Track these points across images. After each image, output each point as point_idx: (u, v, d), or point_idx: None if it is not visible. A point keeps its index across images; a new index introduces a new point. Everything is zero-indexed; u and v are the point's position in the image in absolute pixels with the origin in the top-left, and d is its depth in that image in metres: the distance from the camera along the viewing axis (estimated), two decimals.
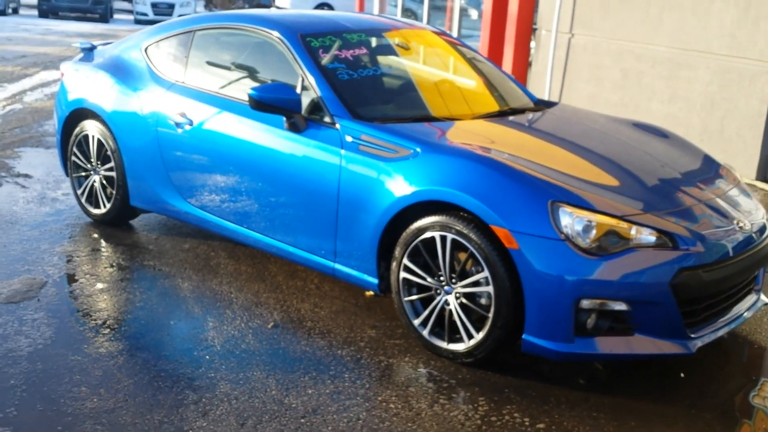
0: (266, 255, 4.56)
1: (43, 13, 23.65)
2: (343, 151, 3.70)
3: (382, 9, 15.08)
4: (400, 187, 3.46)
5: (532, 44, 10.00)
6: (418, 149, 3.52)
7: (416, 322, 3.50)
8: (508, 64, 9.97)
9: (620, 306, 3.09)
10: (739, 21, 6.78)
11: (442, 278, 3.39)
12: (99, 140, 4.86)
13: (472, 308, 3.30)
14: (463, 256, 3.31)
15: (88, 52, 5.30)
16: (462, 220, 3.28)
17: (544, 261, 3.08)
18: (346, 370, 3.33)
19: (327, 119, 3.83)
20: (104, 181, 4.91)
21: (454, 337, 3.38)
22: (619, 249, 3.09)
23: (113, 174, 4.82)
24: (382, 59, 4.58)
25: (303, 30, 4.23)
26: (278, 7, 22.57)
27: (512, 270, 3.15)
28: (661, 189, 3.56)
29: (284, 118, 3.89)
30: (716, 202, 3.54)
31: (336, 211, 3.71)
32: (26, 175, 6.13)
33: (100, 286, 4.13)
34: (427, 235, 3.38)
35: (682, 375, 3.41)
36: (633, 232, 3.13)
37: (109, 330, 3.62)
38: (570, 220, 3.11)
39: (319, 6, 22.79)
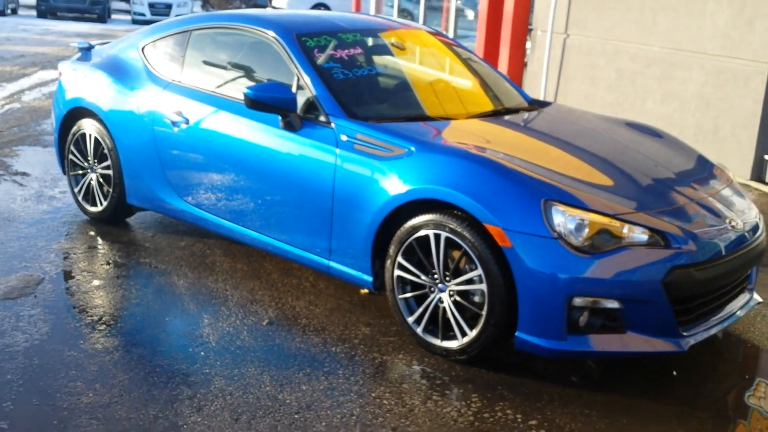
0: (262, 253, 4.58)
1: (42, 14, 23.66)
2: (338, 150, 3.72)
3: (379, 9, 15.09)
4: (394, 185, 3.48)
5: (528, 44, 10.03)
6: (413, 148, 3.54)
7: (410, 319, 3.52)
8: (504, 64, 10.00)
9: (612, 304, 3.11)
10: (733, 21, 6.81)
11: (436, 276, 3.41)
12: (96, 139, 4.88)
13: (466, 306, 3.32)
14: (456, 254, 3.33)
15: (86, 51, 5.31)
16: (456, 219, 3.30)
17: (537, 259, 3.10)
18: (340, 366, 3.36)
19: (322, 118, 3.85)
20: (101, 179, 4.93)
21: (448, 335, 3.40)
22: (612, 247, 3.11)
23: (110, 172, 4.84)
24: (378, 59, 4.59)
25: (298, 30, 4.25)
26: (274, 7, 22.56)
27: (505, 268, 3.18)
28: (654, 188, 3.58)
29: (280, 117, 3.91)
30: (709, 202, 3.56)
31: (331, 209, 3.73)
32: (24, 173, 6.14)
33: (96, 282, 4.15)
34: (421, 233, 3.40)
35: (674, 373, 3.43)
36: (625, 230, 3.16)
37: (105, 326, 3.64)
38: (563, 218, 3.13)
39: (316, 6, 22.76)
